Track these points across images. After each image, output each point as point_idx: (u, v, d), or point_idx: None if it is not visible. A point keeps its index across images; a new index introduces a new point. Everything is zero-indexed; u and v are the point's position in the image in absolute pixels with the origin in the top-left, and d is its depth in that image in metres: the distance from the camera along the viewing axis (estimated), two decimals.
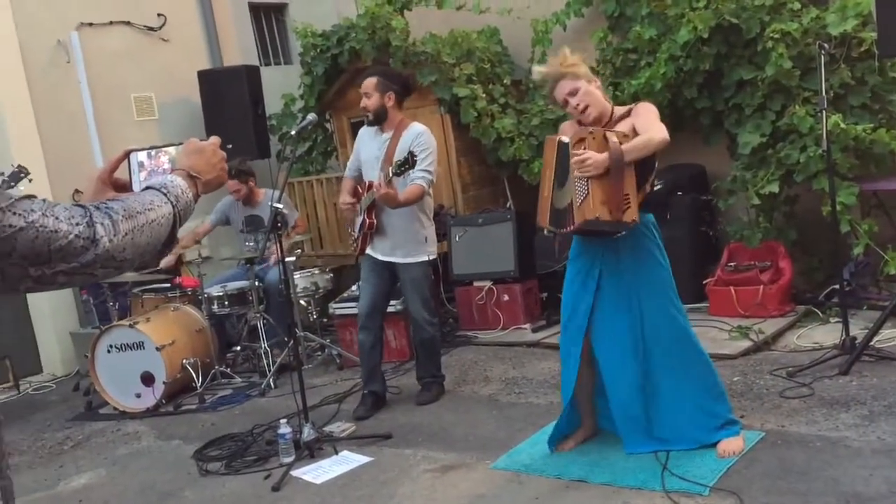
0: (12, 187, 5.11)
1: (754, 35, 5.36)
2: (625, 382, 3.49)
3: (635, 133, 3.34)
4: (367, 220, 4.49)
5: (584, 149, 3.27)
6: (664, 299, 3.44)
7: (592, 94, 3.42)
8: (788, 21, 5.22)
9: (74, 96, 6.61)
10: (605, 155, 3.24)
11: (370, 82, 4.50)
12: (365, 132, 4.68)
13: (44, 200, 1.19)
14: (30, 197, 1.18)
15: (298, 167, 7.28)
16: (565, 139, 3.41)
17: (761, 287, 5.26)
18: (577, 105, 3.41)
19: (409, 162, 4.19)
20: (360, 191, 4.61)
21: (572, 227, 3.38)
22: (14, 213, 1.12)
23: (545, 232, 3.65)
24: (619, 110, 3.51)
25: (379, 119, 4.50)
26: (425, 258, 4.56)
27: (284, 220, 4.55)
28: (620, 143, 3.26)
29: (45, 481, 4.28)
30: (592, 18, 6.43)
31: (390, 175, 4.24)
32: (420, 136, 4.44)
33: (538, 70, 3.59)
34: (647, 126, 3.32)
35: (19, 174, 5.16)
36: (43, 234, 1.14)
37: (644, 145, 3.27)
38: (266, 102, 7.11)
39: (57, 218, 1.17)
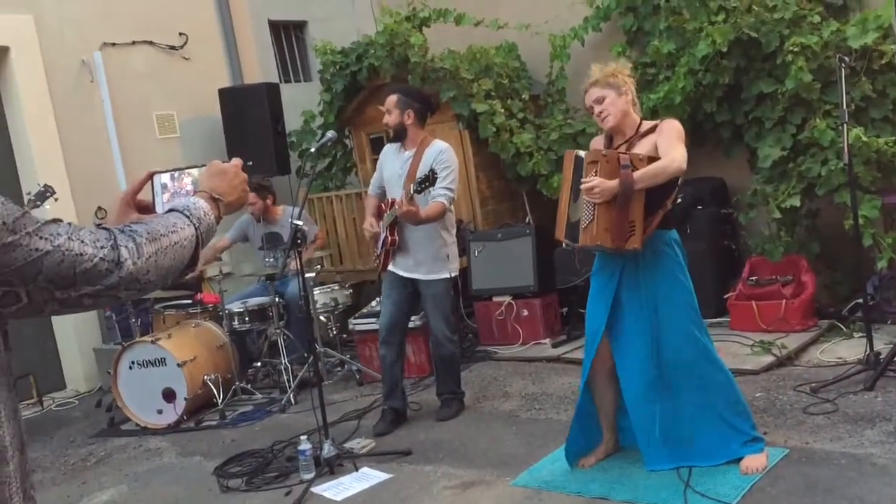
0: (38, 206, 5.18)
1: (774, 48, 5.34)
2: (644, 399, 3.46)
3: (656, 152, 3.34)
4: (390, 238, 4.51)
5: (596, 173, 3.27)
6: (683, 317, 3.41)
7: (616, 105, 3.43)
8: (808, 34, 5.20)
9: (97, 115, 6.69)
10: (614, 183, 3.24)
11: (391, 99, 4.54)
12: (388, 150, 4.72)
13: (69, 224, 1.20)
14: (56, 221, 1.19)
15: (318, 183, 7.32)
16: (582, 154, 3.43)
17: (784, 301, 5.21)
18: (600, 113, 3.45)
19: (429, 179, 4.21)
20: (384, 208, 4.64)
21: (578, 245, 3.45)
22: (41, 238, 1.14)
23: (563, 245, 3.65)
24: (647, 125, 3.50)
25: (399, 136, 4.53)
26: (447, 275, 4.57)
27: (304, 236, 4.58)
28: (635, 169, 3.24)
29: (69, 498, 4.31)
30: (610, 33, 6.44)
31: (412, 192, 4.26)
32: (442, 153, 4.46)
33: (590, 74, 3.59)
34: (668, 150, 3.30)
35: (45, 193, 5.23)
36: (69, 257, 1.16)
37: (657, 174, 3.26)
38: (286, 119, 7.15)
39: (82, 241, 1.18)
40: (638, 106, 3.58)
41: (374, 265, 4.86)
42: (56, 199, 5.36)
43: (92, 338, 6.51)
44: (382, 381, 4.73)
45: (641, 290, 3.42)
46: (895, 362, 4.21)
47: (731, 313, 5.45)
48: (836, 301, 5.44)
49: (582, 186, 3.29)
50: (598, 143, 3.65)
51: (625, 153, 3.35)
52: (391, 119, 4.51)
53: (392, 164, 4.62)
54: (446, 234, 4.55)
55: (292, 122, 7.36)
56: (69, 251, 1.16)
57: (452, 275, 4.61)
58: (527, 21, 6.55)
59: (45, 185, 5.29)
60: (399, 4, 6.85)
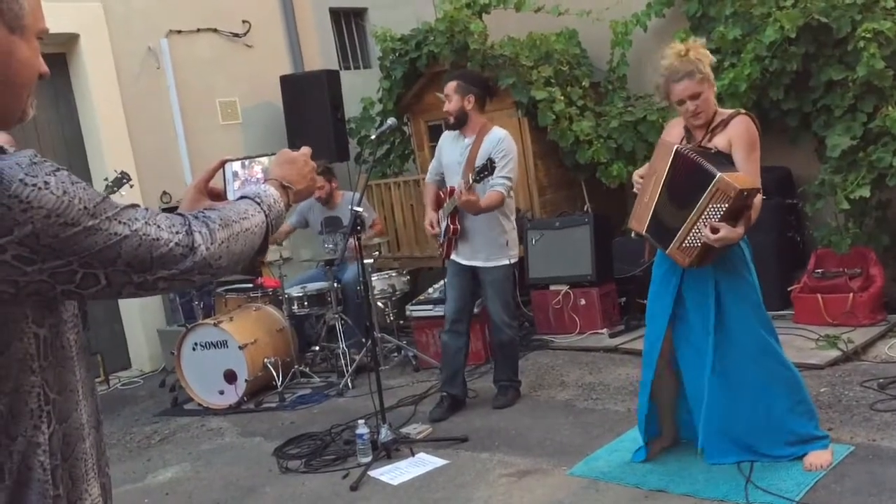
0: (114, 192, 5.34)
1: (845, 34, 5.17)
2: (706, 393, 3.41)
3: (729, 150, 3.26)
4: (452, 226, 4.52)
5: (727, 205, 3.09)
6: (748, 312, 3.33)
7: (709, 101, 3.30)
8: (881, 20, 5.02)
9: (163, 101, 6.83)
10: (739, 233, 3.14)
11: (451, 85, 4.53)
12: (446, 137, 4.71)
13: (147, 209, 1.23)
14: (134, 206, 1.22)
15: (376, 170, 7.36)
16: (719, 177, 3.09)
17: (851, 294, 5.07)
18: (694, 110, 3.29)
19: (487, 168, 4.20)
20: (443, 196, 4.64)
21: (666, 251, 3.32)
22: (120, 222, 1.17)
23: (633, 235, 3.57)
24: (721, 115, 3.36)
25: (459, 122, 4.52)
26: (507, 262, 4.56)
27: (363, 222, 4.62)
28: (744, 191, 3.10)
29: (134, 474, 4.44)
30: (674, 19, 6.32)
31: (471, 181, 4.25)
32: (501, 141, 4.44)
33: (669, 55, 3.34)
34: (748, 171, 3.20)
35: (122, 180, 5.39)
36: (146, 241, 1.18)
37: (757, 209, 3.23)
38: (345, 106, 7.21)
39: (159, 226, 1.21)
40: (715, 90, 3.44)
41: (438, 253, 4.85)
42: (131, 186, 5.51)
43: (156, 319, 6.68)
44: (443, 368, 4.76)
45: (706, 285, 3.35)
46: None
47: (795, 306, 5.33)
48: None
49: (713, 238, 3.12)
50: (675, 129, 3.50)
51: (750, 189, 3.15)
52: (452, 106, 4.50)
53: (451, 152, 4.62)
54: (506, 220, 4.54)
55: (352, 108, 7.42)
56: (146, 235, 1.19)
57: (512, 261, 4.60)
58: (588, 7, 6.47)
59: (122, 172, 5.44)
60: None
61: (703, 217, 3.15)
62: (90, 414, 1.32)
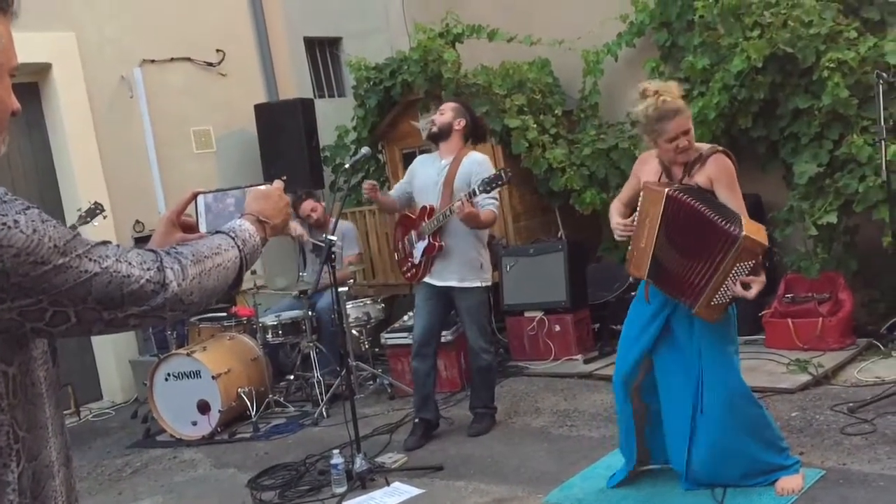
0: (88, 222, 5.31)
1: (810, 64, 5.29)
2: (683, 421, 3.42)
3: (711, 185, 3.29)
4: (436, 244, 4.50)
5: (754, 263, 3.14)
6: (726, 347, 3.37)
7: (693, 135, 3.34)
8: (845, 50, 5.15)
9: (136, 130, 6.82)
10: (763, 280, 3.18)
11: (450, 104, 4.64)
12: (421, 160, 4.77)
13: (118, 246, 1.24)
14: (105, 243, 1.23)
15: (351, 198, 7.36)
16: (743, 235, 3.07)
17: (820, 319, 5.14)
18: (685, 147, 3.29)
19: (501, 178, 4.25)
20: (413, 217, 4.65)
21: (689, 305, 3.25)
22: (90, 259, 1.17)
23: (631, 279, 3.56)
24: (697, 150, 3.35)
25: (442, 135, 4.55)
26: (480, 284, 4.59)
27: (340, 250, 4.63)
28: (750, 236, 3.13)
29: None
30: (644, 48, 6.43)
31: (478, 191, 4.27)
32: (483, 163, 4.51)
33: (647, 101, 3.31)
34: (737, 208, 3.23)
35: (95, 210, 5.36)
36: (116, 279, 1.19)
37: None
38: (320, 134, 7.24)
39: (130, 263, 1.21)
40: None
41: (407, 276, 4.78)
42: (105, 217, 5.49)
43: (129, 349, 6.61)
44: (415, 393, 4.75)
45: (691, 323, 3.37)
46: None
47: (766, 331, 5.39)
48: (874, 319, 5.35)
49: (751, 295, 3.16)
50: (649, 164, 3.48)
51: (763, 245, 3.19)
52: (442, 119, 4.55)
53: (427, 171, 4.64)
54: (481, 244, 4.60)
55: (326, 137, 7.44)
56: (117, 273, 1.19)
57: (485, 284, 4.64)
58: (560, 37, 6.56)
59: (96, 203, 5.42)
60: (432, 21, 6.90)
61: (731, 276, 3.14)
62: (60, 451, 1.31)
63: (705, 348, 3.35)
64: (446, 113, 4.57)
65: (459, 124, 4.55)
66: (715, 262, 3.14)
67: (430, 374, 4.67)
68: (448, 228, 4.48)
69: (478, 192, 4.28)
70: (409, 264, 4.70)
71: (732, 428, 3.34)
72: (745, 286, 3.14)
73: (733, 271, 3.14)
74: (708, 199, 3.25)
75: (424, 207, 4.58)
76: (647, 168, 3.51)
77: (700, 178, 3.33)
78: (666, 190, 3.24)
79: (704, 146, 3.43)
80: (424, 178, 4.64)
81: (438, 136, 4.58)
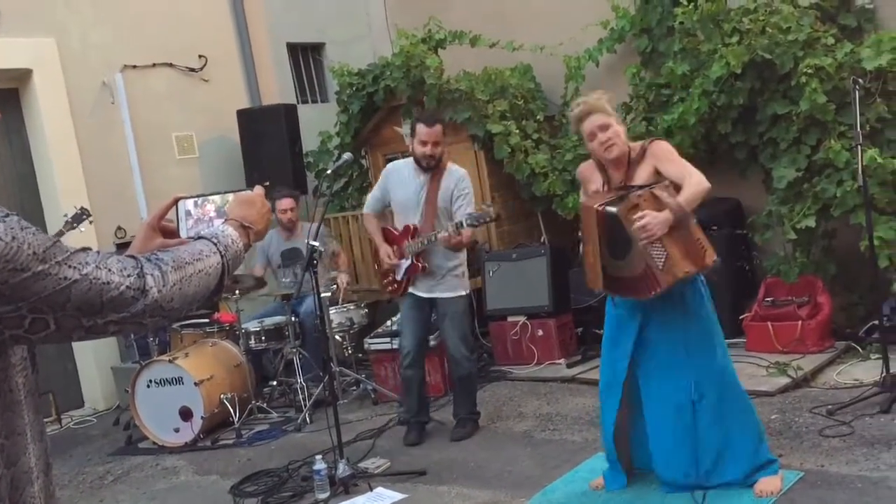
0: (74, 228, 5.29)
1: (788, 70, 5.35)
2: (667, 422, 3.45)
3: (658, 175, 3.36)
4: (420, 265, 4.55)
5: (642, 214, 3.23)
6: (709, 344, 3.41)
7: (619, 134, 3.44)
8: (822, 56, 5.21)
9: (118, 136, 6.79)
10: (665, 213, 3.22)
11: (439, 130, 4.56)
12: (398, 171, 4.71)
13: (98, 252, 1.24)
14: (85, 249, 1.23)
15: (334, 204, 7.37)
16: (612, 209, 3.31)
17: (800, 322, 5.20)
18: (606, 141, 3.41)
19: (489, 216, 4.35)
20: (397, 235, 4.66)
21: (659, 290, 3.29)
22: (70, 266, 1.18)
23: (599, 292, 3.65)
24: (634, 149, 3.48)
25: (436, 166, 4.57)
26: (463, 292, 4.67)
27: (321, 254, 4.64)
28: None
29: None
30: (625, 54, 6.48)
31: (465, 225, 4.35)
32: (463, 180, 4.58)
33: (576, 102, 3.60)
34: (684, 172, 3.32)
35: (81, 216, 5.35)
36: (96, 285, 1.19)
37: (696, 194, 3.28)
38: (303, 140, 7.24)
39: (109, 270, 1.22)
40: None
41: (388, 290, 4.81)
42: (91, 222, 5.46)
43: (110, 356, 6.57)
44: (409, 399, 4.78)
45: (672, 322, 3.40)
46: None
47: (746, 334, 5.44)
48: (852, 322, 5.41)
49: (636, 227, 3.23)
50: (588, 171, 3.61)
51: (660, 186, 3.30)
52: (439, 150, 4.53)
53: (406, 188, 4.63)
54: (457, 259, 4.64)
55: (309, 142, 7.44)
56: (96, 280, 1.20)
57: (466, 292, 4.70)
58: (542, 43, 6.60)
59: (82, 208, 5.41)
60: (415, 26, 6.92)
61: (640, 239, 3.25)
62: (39, 457, 1.31)
63: (688, 349, 3.38)
64: (440, 143, 4.54)
65: (445, 150, 4.61)
66: (631, 242, 3.28)
67: (423, 381, 4.77)
68: (430, 248, 4.53)
69: (465, 225, 4.34)
70: (391, 279, 4.70)
71: (718, 413, 3.38)
72: (640, 219, 3.22)
73: (633, 232, 3.25)
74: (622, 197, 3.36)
75: (408, 227, 4.58)
76: (590, 183, 3.61)
77: (643, 172, 3.42)
78: (595, 206, 3.36)
79: (640, 144, 3.53)
80: (405, 194, 4.62)
81: (434, 167, 4.56)
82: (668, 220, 3.22)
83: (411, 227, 4.57)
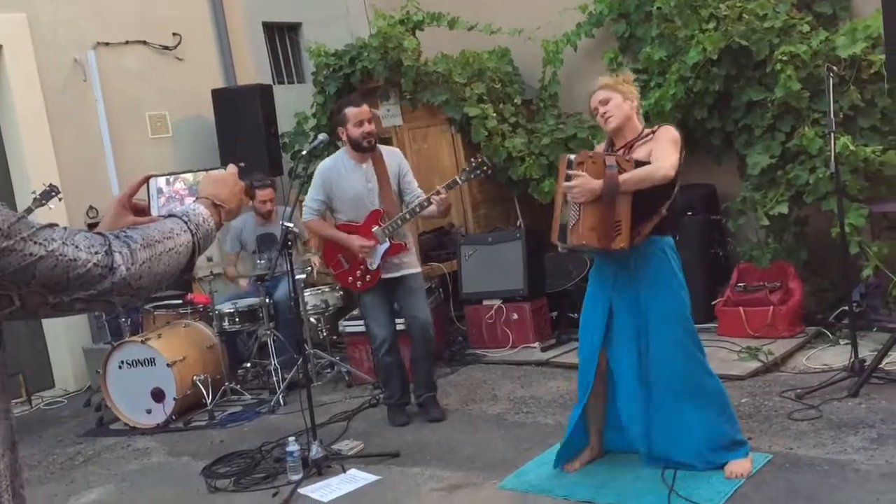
0: (43, 205, 5.23)
1: (764, 57, 5.38)
2: (635, 402, 3.49)
3: (649, 157, 3.38)
4: (400, 244, 4.57)
5: (583, 172, 3.33)
6: (674, 324, 3.44)
7: (621, 108, 3.49)
8: (798, 43, 5.24)
9: (90, 114, 6.69)
10: (596, 183, 3.28)
11: (368, 109, 4.60)
12: (333, 169, 4.62)
13: (65, 229, 1.22)
14: (51, 225, 1.21)
15: (309, 185, 7.32)
16: (571, 157, 3.46)
17: (771, 308, 5.25)
18: (604, 113, 3.50)
19: (484, 164, 4.38)
20: (353, 226, 4.60)
21: (567, 245, 3.49)
22: (35, 243, 1.15)
23: (560, 249, 3.70)
24: (647, 131, 3.54)
25: (375, 146, 4.58)
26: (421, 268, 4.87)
27: (296, 237, 4.62)
28: (622, 171, 3.29)
29: (56, 497, 4.31)
30: (603, 39, 6.48)
31: (459, 182, 4.42)
32: (398, 153, 4.78)
33: (600, 80, 3.68)
34: (660, 156, 3.35)
35: (50, 193, 5.28)
36: (62, 262, 1.17)
37: (643, 178, 3.30)
38: (279, 121, 7.17)
39: (76, 247, 1.20)
40: (641, 115, 3.62)
41: (356, 286, 4.66)
42: (60, 199, 5.40)
43: (81, 337, 6.51)
44: (392, 386, 4.75)
45: (635, 296, 3.45)
46: (879, 369, 4.26)
47: (719, 319, 5.49)
48: (822, 308, 5.48)
49: (563, 184, 3.36)
50: (600, 149, 3.69)
51: (611, 154, 3.39)
52: (375, 127, 4.62)
53: (353, 181, 4.56)
54: (410, 235, 4.82)
55: (285, 123, 7.37)
56: (63, 256, 1.18)
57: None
58: (520, 26, 6.58)
59: (51, 185, 5.35)
60: (393, 8, 6.87)
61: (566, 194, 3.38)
62: (5, 435, 1.29)
63: (654, 320, 3.42)
64: (374, 122, 4.62)
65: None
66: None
67: (402, 364, 4.78)
68: (400, 226, 4.55)
69: (459, 181, 4.41)
70: (361, 271, 4.59)
71: (685, 392, 3.42)
72: (567, 179, 3.35)
73: (564, 186, 3.39)
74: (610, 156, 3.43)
75: (375, 212, 4.54)
76: (597, 149, 3.72)
77: (641, 151, 3.46)
78: (568, 155, 3.50)
79: (654, 128, 3.57)
80: (353, 187, 4.56)
81: (373, 147, 4.54)
82: (593, 190, 3.30)
83: (380, 211, 4.54)
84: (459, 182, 4.43)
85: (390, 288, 4.65)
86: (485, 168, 4.41)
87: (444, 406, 4.81)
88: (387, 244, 4.54)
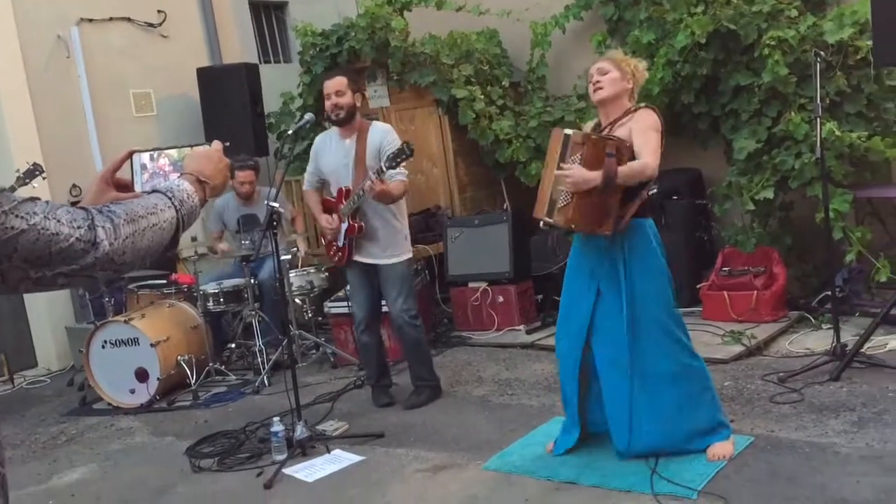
0: (27, 184, 5.19)
1: (752, 41, 5.38)
2: (618, 384, 3.50)
3: (629, 137, 3.37)
4: (356, 225, 4.47)
5: (581, 156, 3.28)
6: (657, 306, 3.45)
7: (615, 83, 3.46)
8: (785, 28, 5.24)
9: (73, 91, 6.62)
10: (593, 175, 3.24)
11: (342, 80, 4.47)
12: (323, 142, 4.65)
13: (47, 203, 1.20)
14: (34, 199, 1.19)
15: (295, 165, 7.27)
16: (570, 132, 3.39)
17: (755, 292, 5.28)
18: (596, 82, 3.47)
19: (404, 152, 4.19)
20: (332, 200, 4.59)
21: (551, 221, 3.44)
22: (17, 216, 1.14)
23: (542, 224, 3.63)
24: (629, 111, 3.49)
25: (350, 118, 4.47)
26: (405, 256, 4.60)
27: (280, 217, 4.59)
28: (621, 159, 3.26)
29: (39, 475, 4.30)
30: (591, 22, 6.46)
31: (385, 168, 4.22)
32: (389, 133, 4.51)
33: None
34: (643, 149, 3.31)
35: (34, 171, 5.24)
36: (44, 236, 1.16)
37: (634, 175, 3.29)
38: (265, 100, 7.12)
39: (59, 221, 1.18)
40: (634, 99, 3.57)
41: (334, 260, 4.69)
42: (44, 178, 5.35)
43: (65, 316, 6.47)
44: (369, 365, 4.76)
45: (618, 279, 3.45)
46: (861, 354, 4.30)
47: (703, 303, 5.52)
48: (806, 293, 5.52)
49: (557, 173, 3.32)
50: (588, 128, 3.67)
51: (613, 139, 3.36)
52: (346, 100, 4.43)
53: (333, 155, 4.55)
54: (400, 216, 4.57)
55: (271, 103, 7.32)
56: (45, 230, 1.16)
57: (409, 256, 4.64)
58: (508, 8, 6.55)
59: (35, 164, 5.31)
60: None
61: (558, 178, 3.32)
62: None
63: (638, 302, 3.42)
64: (345, 93, 4.44)
65: (358, 100, 4.52)
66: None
67: (380, 345, 4.75)
68: (365, 207, 4.45)
69: (384, 169, 4.23)
70: (335, 248, 4.61)
71: (669, 375, 3.43)
72: (562, 173, 3.29)
73: (559, 167, 3.32)
74: (599, 135, 3.42)
75: (341, 190, 4.52)
76: (586, 129, 3.68)
77: (621, 131, 3.45)
78: (564, 130, 3.43)
79: (636, 107, 3.54)
80: (333, 162, 4.55)
81: (348, 119, 4.47)
82: (588, 183, 3.26)
83: (343, 189, 4.50)
84: (384, 169, 4.21)
85: (370, 270, 4.60)
86: (407, 154, 4.19)
87: None
88: (345, 223, 4.50)
